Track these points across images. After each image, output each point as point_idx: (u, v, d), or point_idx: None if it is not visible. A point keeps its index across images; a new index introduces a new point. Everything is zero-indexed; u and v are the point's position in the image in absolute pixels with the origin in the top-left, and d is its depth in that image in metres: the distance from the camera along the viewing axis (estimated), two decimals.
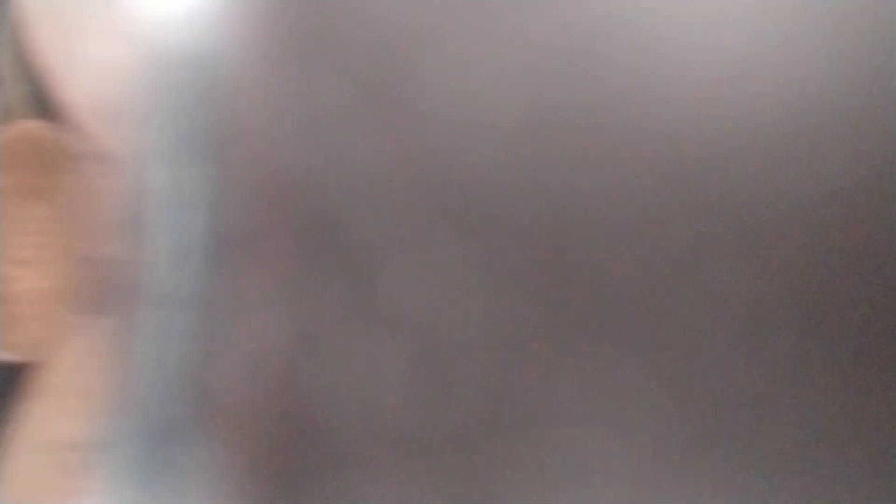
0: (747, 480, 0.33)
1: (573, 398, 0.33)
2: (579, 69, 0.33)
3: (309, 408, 0.34)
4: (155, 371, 0.36)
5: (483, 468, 0.33)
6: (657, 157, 0.33)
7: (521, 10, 0.34)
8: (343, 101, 0.35)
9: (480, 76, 0.34)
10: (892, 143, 0.32)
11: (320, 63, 0.35)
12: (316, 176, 0.35)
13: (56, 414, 0.38)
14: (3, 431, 0.39)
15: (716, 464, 0.33)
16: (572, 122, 0.33)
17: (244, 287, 0.35)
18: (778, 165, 0.33)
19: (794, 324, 0.32)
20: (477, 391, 0.33)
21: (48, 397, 0.39)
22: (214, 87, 0.36)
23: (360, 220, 0.34)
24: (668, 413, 0.33)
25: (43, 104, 0.39)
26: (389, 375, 0.34)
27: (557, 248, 0.33)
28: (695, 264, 0.33)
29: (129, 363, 0.37)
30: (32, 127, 0.38)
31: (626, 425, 0.33)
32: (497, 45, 0.34)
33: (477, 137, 0.33)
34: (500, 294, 0.33)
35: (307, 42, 0.35)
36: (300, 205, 0.35)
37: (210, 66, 0.36)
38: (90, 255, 0.38)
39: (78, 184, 0.38)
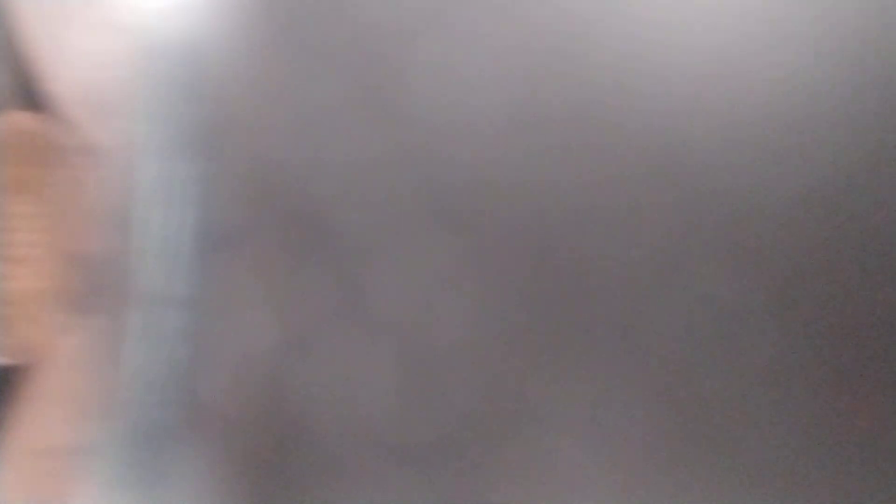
0: (732, 482, 0.32)
1: (558, 403, 0.33)
2: (566, 69, 0.33)
3: (296, 410, 0.34)
4: (145, 372, 0.36)
5: (470, 472, 0.33)
6: (642, 157, 0.33)
7: (508, 8, 0.33)
8: (331, 100, 0.34)
9: (468, 75, 0.33)
10: (879, 142, 0.32)
11: (309, 61, 0.35)
12: (304, 175, 0.35)
13: (48, 417, 0.38)
14: None
15: (701, 464, 0.33)
16: (558, 121, 0.33)
17: (232, 287, 0.35)
18: (762, 166, 0.33)
19: (778, 324, 0.32)
20: (464, 394, 0.33)
21: (40, 401, 0.38)
22: (204, 79, 0.36)
23: (347, 220, 0.34)
24: (655, 415, 0.33)
25: (31, 96, 0.38)
26: (377, 378, 0.34)
27: (544, 249, 0.33)
28: (680, 264, 0.33)
29: (119, 364, 0.36)
30: (23, 119, 0.38)
31: (612, 428, 0.33)
32: (484, 44, 0.33)
33: (465, 137, 0.33)
34: (487, 296, 0.33)
35: (296, 40, 0.35)
36: (288, 204, 0.35)
37: (199, 59, 0.36)
38: (80, 252, 0.37)
39: (67, 177, 0.38)
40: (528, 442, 0.33)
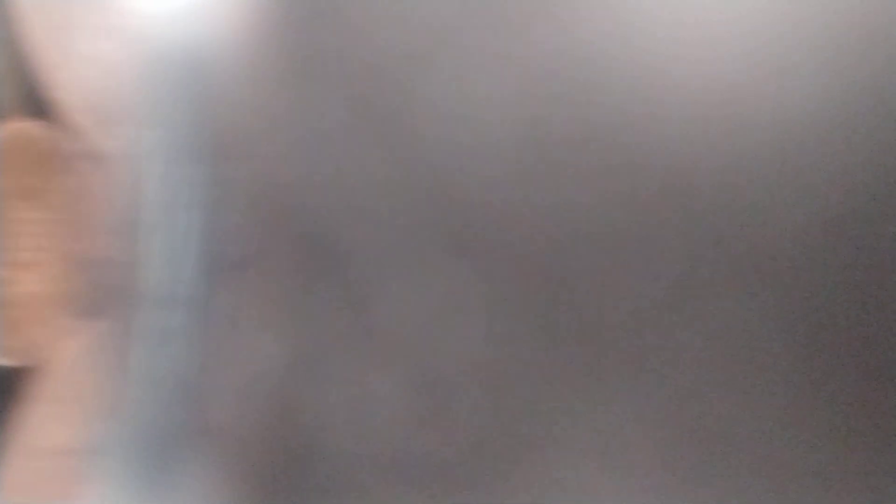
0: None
1: (568, 426, 0.33)
2: (575, 90, 0.33)
3: (305, 431, 0.34)
4: (150, 374, 0.36)
5: (480, 495, 0.33)
6: (652, 180, 0.33)
7: (517, 29, 0.33)
8: (340, 118, 0.34)
9: (477, 96, 0.33)
10: (886, 170, 0.32)
11: (317, 76, 0.34)
12: (312, 194, 0.34)
13: (53, 419, 0.38)
14: (1, 436, 0.39)
15: (714, 487, 0.33)
16: (568, 143, 0.33)
17: (240, 307, 0.35)
18: (775, 189, 0.32)
19: (791, 349, 0.32)
20: (474, 416, 0.33)
21: (45, 402, 0.38)
22: (210, 85, 0.36)
23: (356, 240, 0.34)
24: (667, 438, 0.33)
25: (37, 103, 0.38)
26: (386, 399, 0.34)
27: (555, 271, 0.33)
28: (692, 287, 0.33)
29: (123, 366, 0.36)
30: (27, 127, 0.38)
31: (623, 451, 0.33)
32: (493, 66, 0.33)
33: (474, 158, 0.33)
34: (498, 318, 0.33)
35: (303, 54, 0.35)
36: (295, 223, 0.34)
37: (205, 65, 0.36)
38: (87, 257, 0.37)
39: (73, 184, 0.37)
40: (539, 466, 0.33)
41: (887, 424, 0.32)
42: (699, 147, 0.33)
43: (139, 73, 0.36)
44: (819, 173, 0.32)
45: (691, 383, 0.32)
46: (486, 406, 0.33)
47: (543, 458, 0.33)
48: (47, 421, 0.38)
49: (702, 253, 0.33)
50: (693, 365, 0.32)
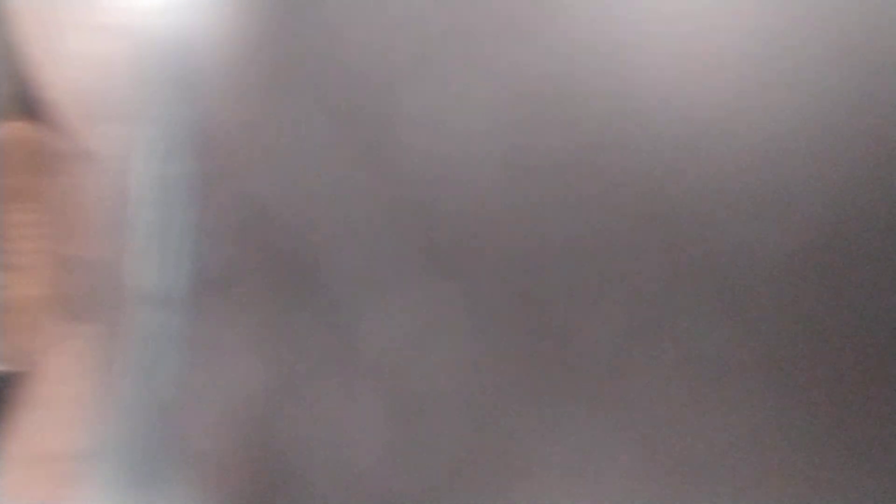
0: None
1: (548, 452, 0.33)
2: (557, 119, 0.33)
3: (285, 455, 0.34)
4: (142, 377, 0.36)
5: None
6: (634, 208, 0.33)
7: (503, 44, 0.33)
8: (324, 132, 0.34)
9: (460, 121, 0.33)
10: (871, 199, 0.32)
11: (302, 86, 0.35)
12: (294, 216, 0.34)
13: (47, 423, 0.38)
14: None
15: None
16: (549, 170, 0.33)
17: (222, 329, 0.35)
18: (754, 221, 0.32)
19: (767, 381, 0.32)
20: (454, 441, 0.33)
21: (39, 407, 0.38)
22: (198, 82, 0.36)
23: (338, 263, 0.34)
24: (643, 464, 0.32)
25: (29, 104, 0.38)
26: (366, 423, 0.34)
27: (534, 297, 0.33)
28: (670, 316, 0.32)
29: (116, 369, 0.36)
30: (22, 128, 0.38)
31: (600, 476, 0.33)
32: (478, 84, 0.33)
33: (456, 182, 0.33)
34: (478, 343, 0.33)
35: (289, 59, 0.35)
36: (278, 246, 0.34)
37: (194, 62, 0.36)
38: (79, 259, 0.37)
39: (65, 184, 0.38)
40: (517, 490, 0.33)
41: (866, 442, 0.32)
42: (680, 171, 0.33)
43: (131, 72, 0.36)
44: (798, 199, 0.32)
45: (672, 405, 0.32)
46: (467, 429, 0.33)
47: (522, 484, 0.33)
48: (41, 425, 0.38)
49: (682, 275, 0.32)
50: (674, 387, 0.32)
